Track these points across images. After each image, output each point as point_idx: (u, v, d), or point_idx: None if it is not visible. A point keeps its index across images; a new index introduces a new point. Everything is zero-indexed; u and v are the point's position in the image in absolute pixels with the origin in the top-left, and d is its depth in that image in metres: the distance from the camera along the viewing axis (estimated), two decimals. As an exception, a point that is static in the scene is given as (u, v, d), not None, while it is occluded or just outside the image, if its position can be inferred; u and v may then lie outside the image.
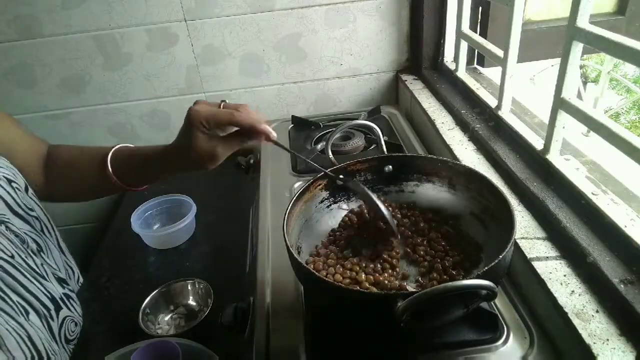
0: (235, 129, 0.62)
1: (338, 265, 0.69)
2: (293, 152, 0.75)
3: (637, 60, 0.60)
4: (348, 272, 0.68)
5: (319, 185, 0.77)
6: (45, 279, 0.64)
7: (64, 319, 0.65)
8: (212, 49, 1.32)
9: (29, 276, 0.61)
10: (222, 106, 0.62)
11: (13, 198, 0.64)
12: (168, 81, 1.37)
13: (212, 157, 0.62)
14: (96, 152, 0.70)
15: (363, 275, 0.68)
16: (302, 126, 1.32)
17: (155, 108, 1.41)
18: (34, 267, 0.63)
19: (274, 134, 0.63)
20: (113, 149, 0.69)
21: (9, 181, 0.65)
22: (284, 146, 0.69)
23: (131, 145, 0.72)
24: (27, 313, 0.58)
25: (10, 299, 0.56)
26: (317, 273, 0.59)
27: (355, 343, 0.65)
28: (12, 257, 0.60)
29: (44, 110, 1.38)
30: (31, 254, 0.64)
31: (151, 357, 0.72)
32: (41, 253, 0.66)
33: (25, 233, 0.64)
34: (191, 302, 0.96)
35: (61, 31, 1.26)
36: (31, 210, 0.67)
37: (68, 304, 0.67)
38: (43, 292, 0.62)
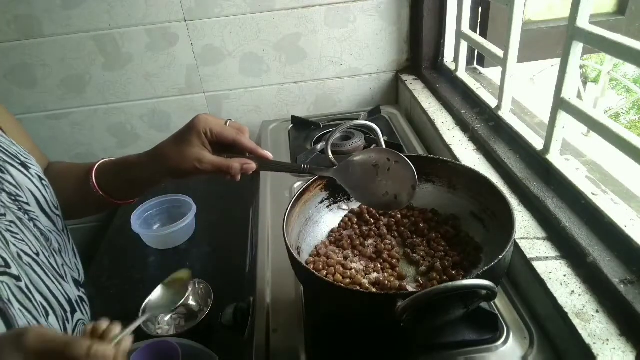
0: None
1: (338, 266, 0.69)
2: (287, 166, 0.74)
3: (637, 60, 0.60)
4: (348, 272, 0.68)
5: (319, 185, 0.77)
6: (64, 280, 0.64)
7: (77, 322, 0.65)
8: (212, 49, 1.33)
9: (50, 276, 0.60)
10: (228, 123, 0.64)
11: (43, 195, 0.64)
12: (168, 81, 1.37)
13: (195, 167, 0.62)
14: (84, 166, 0.70)
15: (363, 275, 0.68)
16: (302, 126, 1.32)
17: (155, 108, 1.41)
18: (56, 266, 0.63)
19: (270, 156, 0.66)
20: (99, 162, 0.69)
21: (40, 178, 0.65)
22: (278, 164, 0.69)
23: (115, 158, 0.71)
24: (47, 314, 0.58)
25: (34, 298, 0.56)
26: (317, 273, 0.59)
27: (355, 343, 0.65)
28: (38, 254, 0.60)
29: (44, 110, 1.38)
30: (53, 253, 0.64)
31: (151, 357, 0.72)
32: (61, 253, 0.66)
33: (49, 231, 0.64)
34: (191, 302, 0.96)
35: (61, 31, 1.26)
36: (56, 208, 0.67)
37: (82, 306, 0.67)
38: (62, 293, 0.62)
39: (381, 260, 0.71)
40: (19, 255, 0.57)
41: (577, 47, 0.71)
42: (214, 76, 1.37)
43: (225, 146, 0.64)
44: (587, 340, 0.55)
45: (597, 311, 0.58)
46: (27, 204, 0.62)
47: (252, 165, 0.64)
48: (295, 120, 1.34)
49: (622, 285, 0.57)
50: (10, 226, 0.57)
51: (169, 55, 1.33)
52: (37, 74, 1.32)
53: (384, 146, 0.86)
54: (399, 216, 0.78)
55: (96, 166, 0.69)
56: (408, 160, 0.66)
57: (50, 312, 0.59)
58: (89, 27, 1.26)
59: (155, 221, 1.20)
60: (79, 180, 0.69)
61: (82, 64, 1.32)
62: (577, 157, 0.83)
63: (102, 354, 0.40)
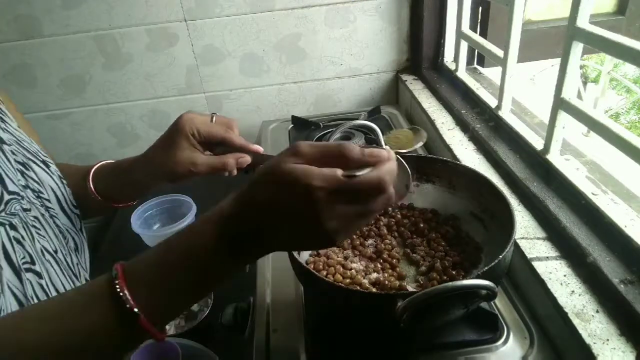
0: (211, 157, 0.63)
1: (338, 266, 0.69)
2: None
3: (637, 60, 0.60)
4: (348, 272, 0.68)
5: (319, 185, 0.77)
6: (78, 280, 0.64)
7: None
8: (212, 49, 1.33)
9: (66, 275, 0.60)
10: (213, 119, 0.63)
11: (62, 193, 0.65)
12: (168, 81, 1.37)
13: (189, 171, 0.61)
14: (82, 169, 0.71)
15: (363, 275, 0.68)
16: (302, 126, 1.32)
17: (155, 108, 1.41)
18: (71, 265, 0.63)
19: (261, 149, 0.65)
20: (96, 165, 0.69)
21: (60, 177, 0.66)
22: (271, 157, 0.69)
23: (113, 161, 0.71)
24: None
25: (52, 295, 0.56)
26: (317, 273, 0.59)
27: (355, 343, 0.65)
28: (56, 252, 0.60)
29: (44, 110, 1.38)
30: (70, 251, 0.64)
31: (151, 357, 0.72)
32: (77, 252, 0.66)
33: (67, 230, 0.65)
34: (191, 302, 0.96)
35: (61, 31, 1.26)
36: (75, 207, 0.67)
37: None
38: None
39: (381, 260, 0.71)
40: (42, 252, 0.57)
41: (577, 47, 0.71)
42: (214, 76, 1.37)
43: (215, 143, 0.63)
44: (587, 340, 0.55)
45: (597, 311, 0.58)
46: (48, 200, 0.62)
47: (247, 158, 0.63)
48: (295, 120, 1.34)
49: (622, 285, 0.57)
50: (35, 222, 0.57)
51: (169, 55, 1.33)
52: (37, 74, 1.32)
53: (384, 146, 0.86)
54: (399, 216, 0.78)
55: (93, 170, 0.69)
56: (402, 160, 0.66)
57: None
58: (89, 27, 1.26)
59: (155, 221, 1.20)
60: (78, 183, 0.69)
61: (82, 64, 1.32)
62: (577, 157, 0.83)
63: (378, 152, 0.41)
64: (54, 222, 0.62)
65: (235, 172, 0.64)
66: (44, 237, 0.59)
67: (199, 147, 0.62)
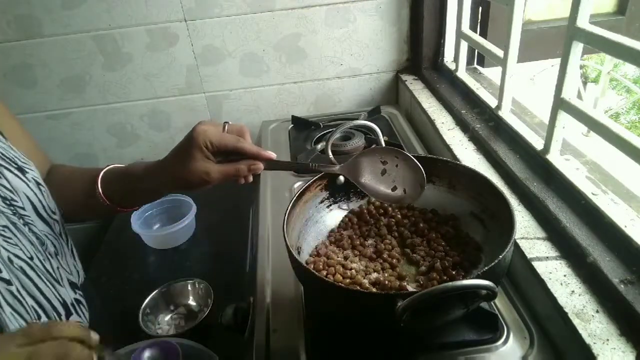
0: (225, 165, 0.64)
1: (338, 266, 0.69)
2: (294, 165, 0.74)
3: (637, 60, 0.60)
4: (348, 272, 0.68)
5: (319, 185, 0.77)
6: (60, 284, 0.64)
7: None
8: (212, 49, 1.33)
9: (44, 279, 0.61)
10: (225, 128, 0.64)
11: (39, 200, 0.65)
12: (168, 81, 1.37)
13: (203, 180, 0.62)
14: (89, 172, 0.71)
15: (363, 275, 0.68)
16: (302, 126, 1.32)
17: (155, 108, 1.41)
18: (50, 270, 0.63)
19: (274, 155, 0.65)
20: (104, 169, 0.70)
21: (37, 183, 0.66)
22: (285, 163, 0.69)
23: (121, 165, 0.72)
24: (40, 317, 0.58)
25: (26, 302, 0.56)
26: (317, 273, 0.59)
27: (355, 343, 0.65)
28: (32, 259, 0.60)
29: (44, 110, 1.38)
30: (49, 256, 0.64)
31: (151, 357, 0.72)
32: (57, 256, 0.66)
33: (45, 235, 0.65)
34: (191, 302, 0.96)
35: (61, 31, 1.26)
36: (53, 213, 0.67)
37: (78, 309, 0.67)
38: (56, 297, 0.62)
39: (381, 260, 0.71)
40: (9, 260, 0.57)
41: (577, 47, 0.71)
42: (214, 76, 1.37)
43: (229, 152, 0.63)
44: (587, 340, 0.55)
45: (597, 311, 0.58)
46: (23, 208, 0.62)
47: (260, 165, 0.63)
48: (295, 120, 1.34)
49: (622, 285, 0.57)
50: (4, 231, 0.57)
51: (169, 55, 1.33)
52: (37, 74, 1.32)
53: (384, 146, 0.86)
54: (399, 216, 0.78)
55: (101, 175, 0.69)
56: (415, 160, 0.67)
57: (43, 315, 0.59)
58: (89, 27, 1.26)
59: (155, 221, 1.20)
60: (85, 188, 0.69)
61: (82, 64, 1.32)
62: (577, 157, 0.83)
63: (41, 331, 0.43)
64: (30, 229, 0.62)
65: (250, 178, 0.65)
66: (16, 245, 0.58)
67: (212, 158, 0.62)
